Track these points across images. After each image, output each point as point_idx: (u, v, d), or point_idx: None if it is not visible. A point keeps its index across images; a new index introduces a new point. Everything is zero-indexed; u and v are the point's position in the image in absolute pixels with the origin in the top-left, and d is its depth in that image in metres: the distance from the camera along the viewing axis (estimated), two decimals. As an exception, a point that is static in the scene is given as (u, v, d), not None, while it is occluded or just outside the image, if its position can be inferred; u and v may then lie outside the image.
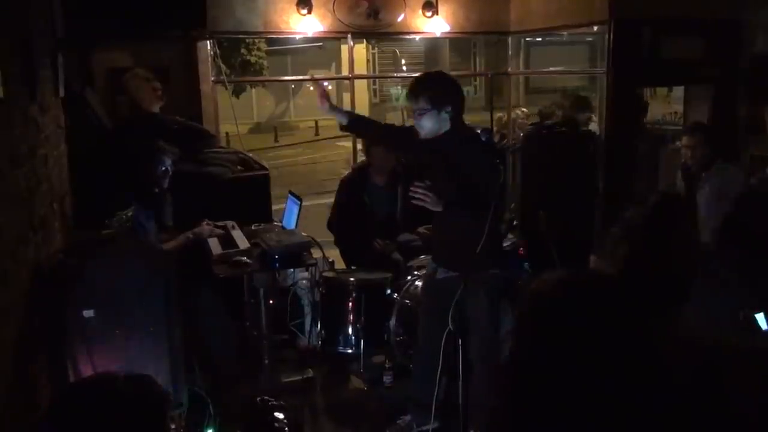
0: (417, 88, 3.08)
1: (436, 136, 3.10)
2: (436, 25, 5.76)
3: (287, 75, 18.03)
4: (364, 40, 15.70)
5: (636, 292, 1.20)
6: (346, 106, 5.99)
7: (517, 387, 1.20)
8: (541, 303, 1.21)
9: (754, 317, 1.94)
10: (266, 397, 3.72)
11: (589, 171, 5.39)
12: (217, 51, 5.49)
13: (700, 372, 1.39)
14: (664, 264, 1.46)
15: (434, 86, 3.08)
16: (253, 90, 19.36)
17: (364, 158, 4.93)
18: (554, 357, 1.15)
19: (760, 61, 5.11)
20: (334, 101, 3.47)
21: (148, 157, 3.72)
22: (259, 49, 15.04)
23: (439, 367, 3.16)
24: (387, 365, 4.07)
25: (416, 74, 3.38)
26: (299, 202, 4.20)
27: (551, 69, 10.52)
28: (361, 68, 16.44)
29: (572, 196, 5.30)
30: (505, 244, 4.63)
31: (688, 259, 1.51)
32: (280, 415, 3.27)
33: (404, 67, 17.64)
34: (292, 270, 4.49)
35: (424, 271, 4.12)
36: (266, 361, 4.03)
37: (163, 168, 3.72)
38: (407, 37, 6.29)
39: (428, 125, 3.06)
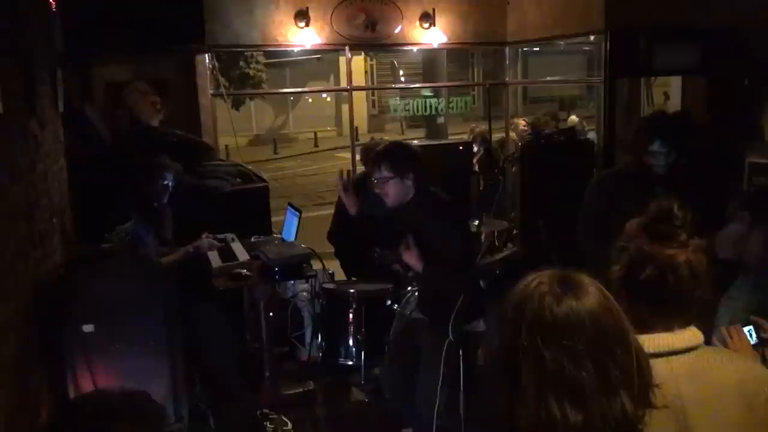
0: (378, 157, 3.18)
1: (403, 204, 3.17)
2: (434, 37, 5.79)
3: (286, 87, 18.11)
4: (362, 52, 15.78)
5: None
6: (345, 118, 5.99)
7: (493, 388, 1.20)
8: (523, 301, 1.21)
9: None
10: (266, 411, 3.72)
11: (587, 179, 5.39)
12: (216, 64, 5.53)
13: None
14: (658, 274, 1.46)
15: (395, 155, 3.16)
16: (252, 102, 19.43)
17: (363, 169, 4.93)
18: (530, 353, 1.15)
19: (756, 68, 5.12)
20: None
21: (150, 172, 3.73)
22: (257, 61, 15.10)
23: (440, 380, 3.15)
24: (388, 376, 4.06)
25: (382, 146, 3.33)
26: (299, 214, 4.20)
27: (549, 78, 10.55)
28: (359, 80, 16.49)
29: (571, 205, 5.29)
30: (504, 254, 4.64)
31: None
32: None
33: (402, 78, 17.70)
34: (292, 282, 4.49)
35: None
36: (267, 374, 4.02)
37: (164, 183, 3.72)
38: (405, 48, 6.32)
39: (393, 192, 3.15)
